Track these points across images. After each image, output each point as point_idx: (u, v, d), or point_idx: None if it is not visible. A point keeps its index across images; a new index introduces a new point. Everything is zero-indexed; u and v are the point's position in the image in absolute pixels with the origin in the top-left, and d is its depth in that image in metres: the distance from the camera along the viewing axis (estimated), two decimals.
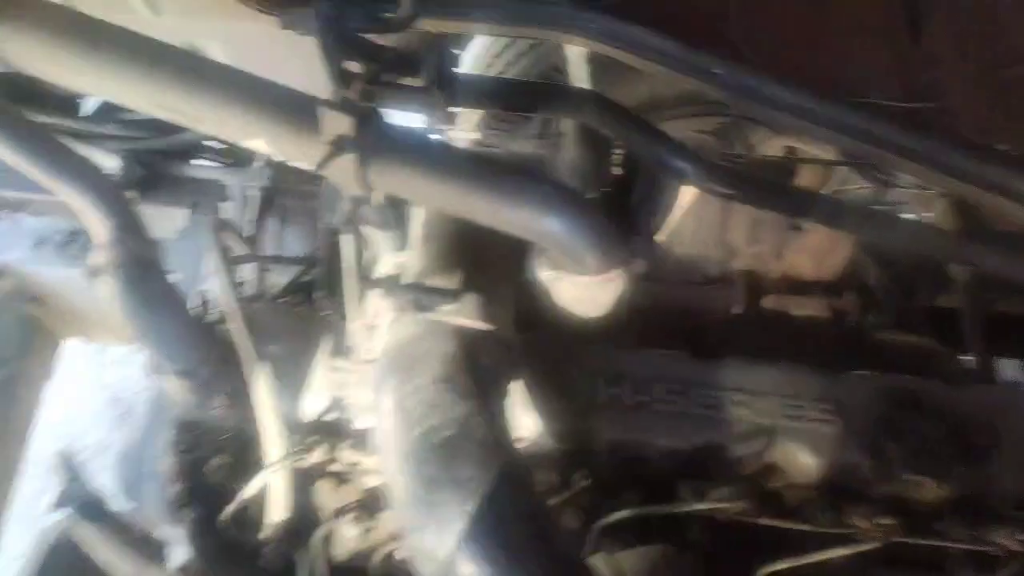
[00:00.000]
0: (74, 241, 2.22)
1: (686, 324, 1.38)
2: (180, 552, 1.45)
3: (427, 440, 0.94)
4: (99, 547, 1.21)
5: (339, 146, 0.97)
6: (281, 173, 1.64)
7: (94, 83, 1.07)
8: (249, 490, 1.27)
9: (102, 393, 3.82)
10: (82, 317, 2.64)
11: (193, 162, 1.96)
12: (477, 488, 0.91)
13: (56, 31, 1.04)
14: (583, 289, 1.03)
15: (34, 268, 2.30)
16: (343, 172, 1.01)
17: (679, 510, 1.17)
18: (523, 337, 1.16)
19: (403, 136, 1.01)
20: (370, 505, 1.36)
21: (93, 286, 1.26)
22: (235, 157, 1.96)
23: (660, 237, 1.15)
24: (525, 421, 1.18)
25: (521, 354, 1.12)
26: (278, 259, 1.50)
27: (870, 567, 1.18)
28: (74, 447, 3.77)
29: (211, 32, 1.34)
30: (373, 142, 0.98)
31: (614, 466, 1.25)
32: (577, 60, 1.24)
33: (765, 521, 1.18)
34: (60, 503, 1.19)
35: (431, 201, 1.02)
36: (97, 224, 1.23)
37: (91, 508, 1.21)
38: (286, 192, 1.60)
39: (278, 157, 1.07)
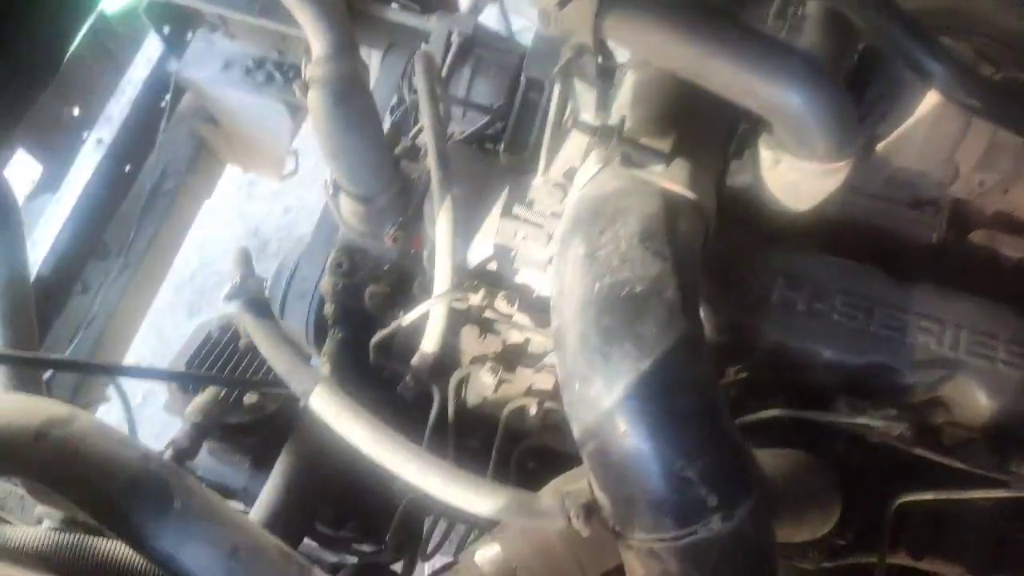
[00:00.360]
0: (260, 68, 2.31)
1: (881, 244, 1.32)
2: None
3: (614, 291, 0.94)
4: (261, 340, 1.28)
5: None
6: (481, 25, 1.64)
7: None
8: (409, 316, 1.32)
9: (242, 224, 4.04)
10: (246, 145, 2.78)
11: (394, 5, 1.99)
12: (655, 347, 0.91)
13: None
14: (802, 176, 1.00)
15: (218, 88, 2.42)
16: (579, 15, 0.99)
17: (833, 419, 1.14)
18: None
19: None
20: (509, 359, 1.39)
21: (301, 97, 1.30)
22: (430, 5, 1.97)
23: (881, 146, 1.09)
24: None
25: (713, 234, 1.10)
26: (471, 104, 1.52)
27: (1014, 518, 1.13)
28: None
29: None
30: None
31: (770, 367, 1.23)
32: None
33: (920, 451, 1.14)
34: (232, 295, 1.26)
35: (665, 58, 0.99)
36: (316, 38, 1.26)
37: (258, 304, 1.28)
38: (483, 43, 1.60)
39: None
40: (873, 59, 1.24)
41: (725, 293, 1.21)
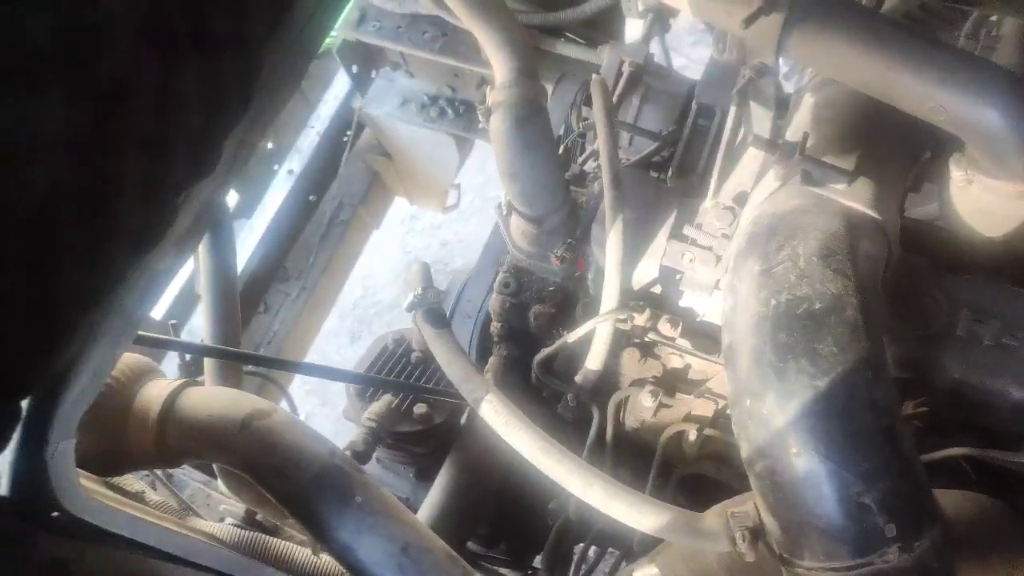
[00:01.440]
0: (434, 104, 2.46)
1: None
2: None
3: (792, 308, 0.93)
4: (437, 349, 1.35)
5: (771, 4, 0.96)
6: (650, 55, 1.68)
7: None
8: (574, 335, 1.35)
9: (402, 256, 4.27)
10: (414, 178, 2.95)
11: (563, 40, 2.08)
12: (834, 366, 0.89)
13: None
14: (996, 198, 0.95)
15: (393, 124, 2.60)
16: (764, 33, 1.00)
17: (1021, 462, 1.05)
18: None
19: (835, 2, 0.97)
20: (669, 383, 1.38)
21: (484, 122, 1.38)
22: (599, 40, 2.04)
23: None
24: None
25: (896, 256, 1.06)
26: (640, 131, 1.55)
27: None
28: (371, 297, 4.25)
29: None
30: (805, 4, 0.96)
31: (951, 406, 1.15)
32: None
33: None
34: (412, 305, 1.35)
35: (852, 73, 0.98)
36: (501, 63, 1.34)
37: (436, 315, 1.36)
38: (652, 73, 1.63)
39: (695, 13, 1.09)
40: None
41: (905, 324, 1.15)
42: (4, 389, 0.53)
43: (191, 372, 1.55)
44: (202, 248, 1.34)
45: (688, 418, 1.37)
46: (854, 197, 1.01)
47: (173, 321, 1.43)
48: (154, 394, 1.17)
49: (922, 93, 0.93)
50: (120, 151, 0.53)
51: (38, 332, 0.54)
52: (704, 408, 1.36)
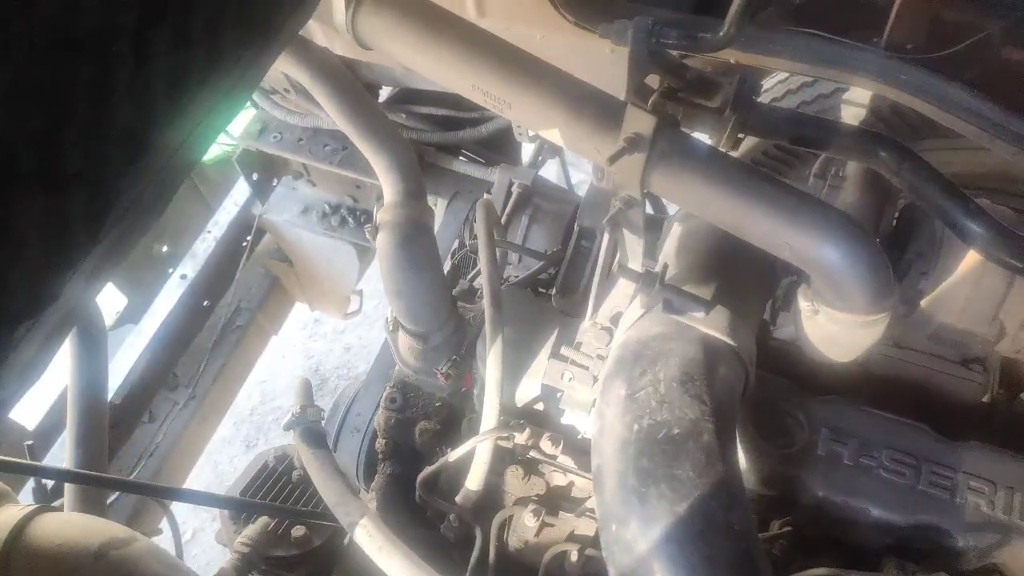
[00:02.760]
0: (335, 213, 2.49)
1: (929, 401, 1.30)
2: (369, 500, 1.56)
3: (653, 432, 0.96)
4: (314, 469, 1.32)
5: (633, 144, 1.04)
6: (539, 177, 1.76)
7: (426, 62, 1.22)
8: (455, 453, 1.34)
9: (304, 361, 4.18)
10: (315, 284, 2.94)
11: (461, 158, 2.16)
12: (692, 491, 0.91)
13: (405, 15, 1.21)
14: (840, 327, 1.02)
15: (295, 230, 2.61)
16: (628, 170, 1.08)
17: None
18: None
19: (693, 145, 1.06)
20: (552, 502, 1.38)
21: (371, 240, 1.41)
22: (495, 159, 2.14)
23: (925, 301, 1.11)
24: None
25: (753, 381, 1.12)
26: (526, 250, 1.61)
27: None
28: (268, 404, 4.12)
29: (519, 37, 1.49)
30: (665, 146, 1.05)
31: (815, 522, 1.19)
32: (858, 116, 1.24)
33: None
34: (291, 424, 1.32)
35: (708, 211, 1.06)
36: (390, 184, 1.38)
37: (314, 435, 1.34)
38: (541, 194, 1.71)
39: (568, 148, 1.16)
40: (914, 217, 1.29)
41: (769, 444, 1.21)
42: None
43: (51, 497, 1.45)
44: (71, 367, 1.28)
45: (571, 537, 1.37)
46: (711, 325, 1.07)
47: (29, 442, 1.35)
48: (2, 522, 1.09)
49: (769, 231, 1.02)
50: None
51: None
52: (587, 527, 1.36)
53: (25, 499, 1.27)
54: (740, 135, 1.11)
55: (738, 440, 1.22)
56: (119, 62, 0.60)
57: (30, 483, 1.69)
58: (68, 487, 1.28)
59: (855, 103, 1.68)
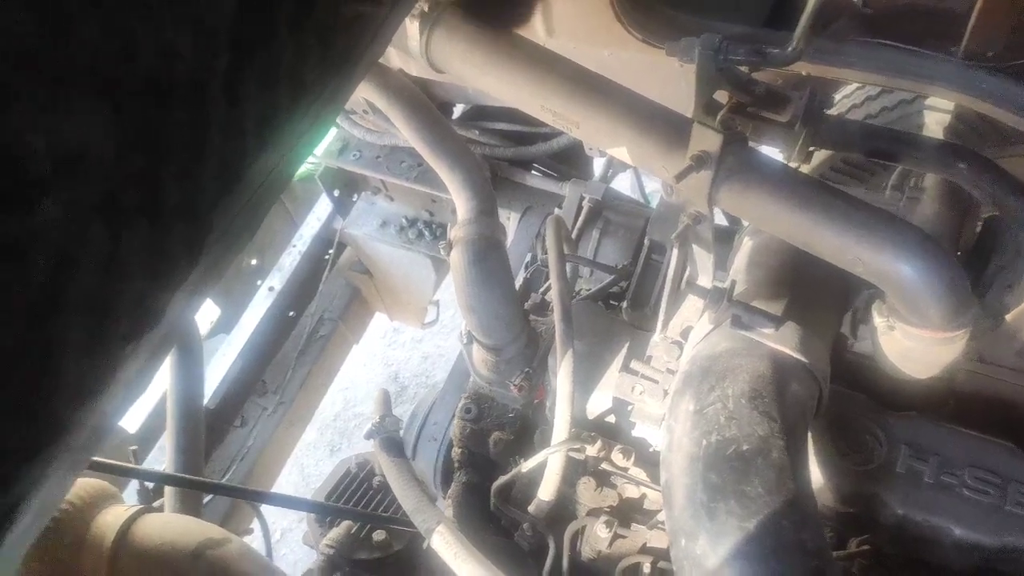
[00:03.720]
0: (412, 226, 2.56)
1: (1015, 418, 1.25)
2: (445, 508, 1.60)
3: (721, 449, 0.97)
4: (392, 477, 1.38)
5: (701, 161, 1.05)
6: (611, 191, 1.78)
7: (497, 84, 1.25)
8: (527, 464, 1.37)
9: (384, 369, 4.30)
10: (394, 295, 3.03)
11: (533, 173, 2.20)
12: (762, 508, 0.91)
13: (475, 40, 1.25)
14: (917, 344, 1.00)
15: (374, 244, 2.70)
16: (696, 187, 1.09)
17: None
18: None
19: (761, 161, 1.06)
20: (625, 513, 1.39)
21: (445, 256, 1.46)
22: (568, 173, 2.17)
23: (1011, 315, 1.08)
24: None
25: (827, 398, 1.10)
26: (597, 264, 1.63)
27: None
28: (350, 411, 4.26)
29: (588, 56, 1.52)
30: (732, 163, 1.05)
31: (895, 541, 1.16)
32: (942, 122, 1.21)
33: None
34: (371, 433, 1.38)
35: (777, 227, 1.06)
36: (463, 202, 1.43)
37: (392, 444, 1.39)
38: (612, 208, 1.73)
39: (636, 165, 1.18)
40: (997, 229, 1.24)
41: (846, 461, 1.19)
42: None
43: (152, 497, 1.55)
44: (170, 377, 1.38)
45: (644, 550, 1.38)
46: (781, 340, 1.06)
47: (134, 447, 1.45)
48: (110, 521, 1.18)
49: (840, 247, 1.01)
50: (61, 315, 0.58)
51: None
52: (659, 539, 1.36)
53: (129, 498, 1.37)
54: (811, 148, 1.11)
55: (814, 457, 1.21)
56: (212, 104, 0.66)
57: (133, 484, 1.82)
58: (168, 489, 1.37)
59: (939, 109, 1.63)
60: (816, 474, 1.19)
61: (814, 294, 1.17)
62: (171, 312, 0.75)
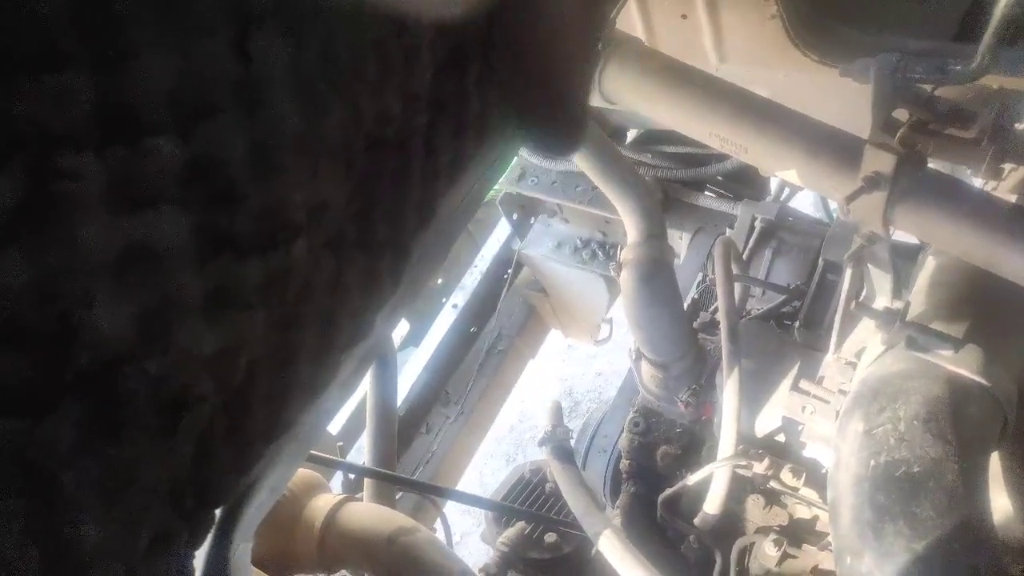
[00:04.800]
0: (586, 247, 2.66)
1: None
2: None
3: (890, 470, 0.96)
4: (563, 483, 1.46)
5: (873, 183, 1.05)
6: (784, 210, 1.77)
7: (666, 113, 1.31)
8: (693, 478, 1.41)
9: (558, 384, 4.42)
10: (568, 313, 3.14)
11: (706, 193, 2.22)
12: (932, 531, 0.90)
13: (645, 73, 1.32)
14: None
15: (550, 264, 2.82)
16: (869, 208, 1.08)
17: None
18: (1021, 413, 1.09)
19: (938, 180, 1.04)
20: (795, 533, 1.39)
21: (616, 277, 1.54)
22: (741, 193, 2.17)
23: None
24: (997, 500, 1.10)
25: (1014, 424, 1.06)
26: (768, 284, 1.63)
27: None
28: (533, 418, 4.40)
29: (761, 79, 1.54)
30: (908, 183, 1.04)
31: None
32: None
33: None
34: (543, 441, 1.47)
35: (956, 248, 1.03)
36: (632, 225, 1.50)
37: (564, 452, 1.47)
38: (786, 227, 1.72)
39: (806, 187, 1.19)
40: None
41: None
42: (206, 500, 0.72)
43: (354, 487, 1.74)
44: (370, 383, 1.55)
45: (815, 571, 1.36)
46: (960, 363, 1.03)
47: (340, 443, 1.64)
48: (320, 506, 1.36)
49: None
50: (301, 328, 0.73)
51: (234, 458, 0.72)
52: (831, 562, 1.34)
53: (334, 487, 1.56)
54: (1002, 165, 1.07)
55: (1007, 485, 1.15)
56: (414, 154, 0.78)
57: (337, 476, 2.04)
58: (367, 481, 1.55)
59: None
60: (1005, 505, 1.14)
61: (1002, 317, 1.12)
62: (378, 326, 0.89)
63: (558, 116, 0.72)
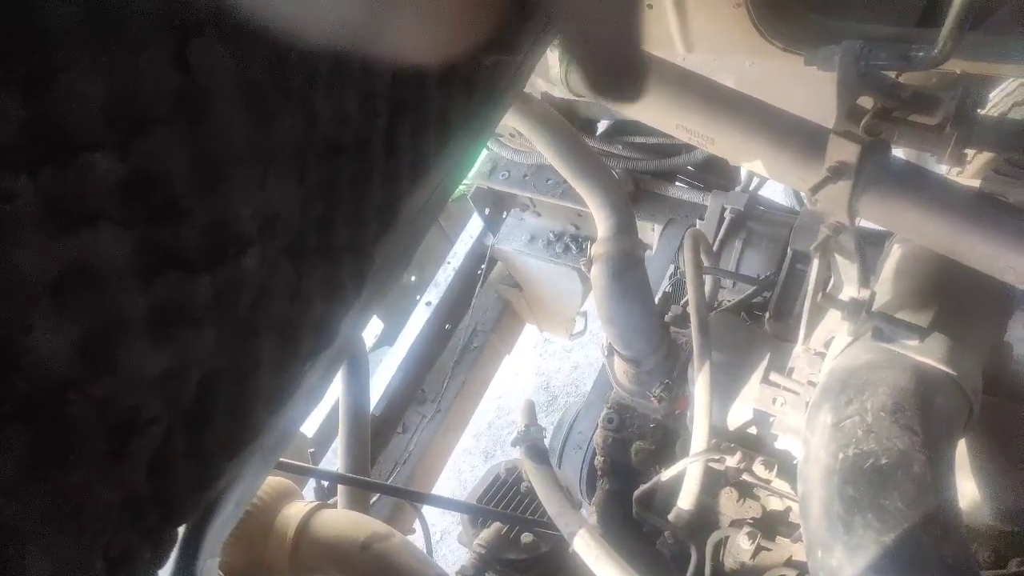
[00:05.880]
0: (559, 240, 2.65)
1: None
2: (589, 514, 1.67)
3: (858, 463, 0.97)
4: (537, 483, 1.46)
5: (838, 172, 1.05)
6: (754, 200, 1.78)
7: (634, 106, 1.31)
8: (667, 473, 1.41)
9: (535, 379, 4.42)
10: (543, 307, 3.13)
11: (677, 184, 2.22)
12: (900, 522, 0.91)
13: None
14: None
15: (523, 258, 2.81)
16: (834, 198, 1.09)
17: None
18: (986, 399, 1.10)
19: (902, 169, 1.05)
20: (769, 525, 1.40)
21: (586, 272, 1.53)
22: (712, 183, 2.17)
23: None
24: (964, 486, 1.12)
25: (979, 412, 1.07)
26: (738, 276, 1.64)
27: None
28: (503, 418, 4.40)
29: (728, 67, 1.54)
30: (872, 172, 1.04)
31: None
32: None
33: None
34: (517, 441, 1.47)
35: (921, 236, 1.04)
36: (602, 220, 1.49)
37: (537, 451, 1.47)
38: (755, 217, 1.73)
39: (772, 178, 1.19)
40: None
41: (1009, 474, 1.14)
42: (168, 518, 0.70)
43: (327, 493, 1.73)
44: (341, 387, 1.54)
45: (789, 563, 1.37)
46: (927, 353, 1.04)
47: (312, 449, 1.63)
48: (292, 514, 1.34)
49: (990, 253, 0.98)
50: (259, 339, 0.71)
51: (195, 474, 0.71)
52: (805, 553, 1.35)
53: (307, 495, 1.54)
54: (965, 151, 1.07)
55: (972, 473, 1.16)
56: (373, 157, 0.77)
57: (310, 482, 2.02)
58: (340, 488, 1.53)
59: None
60: (972, 491, 1.15)
61: (967, 304, 1.13)
62: (343, 332, 0.88)
63: (621, 59, 0.70)
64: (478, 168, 2.63)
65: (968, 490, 1.13)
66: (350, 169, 0.74)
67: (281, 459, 1.47)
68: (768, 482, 1.36)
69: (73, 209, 0.43)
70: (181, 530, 0.80)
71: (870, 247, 1.24)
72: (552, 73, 1.40)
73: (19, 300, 0.43)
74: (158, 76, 0.43)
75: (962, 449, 1.12)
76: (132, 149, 0.43)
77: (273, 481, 1.37)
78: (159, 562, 0.72)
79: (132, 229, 0.46)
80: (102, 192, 0.43)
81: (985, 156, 1.50)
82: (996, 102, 1.43)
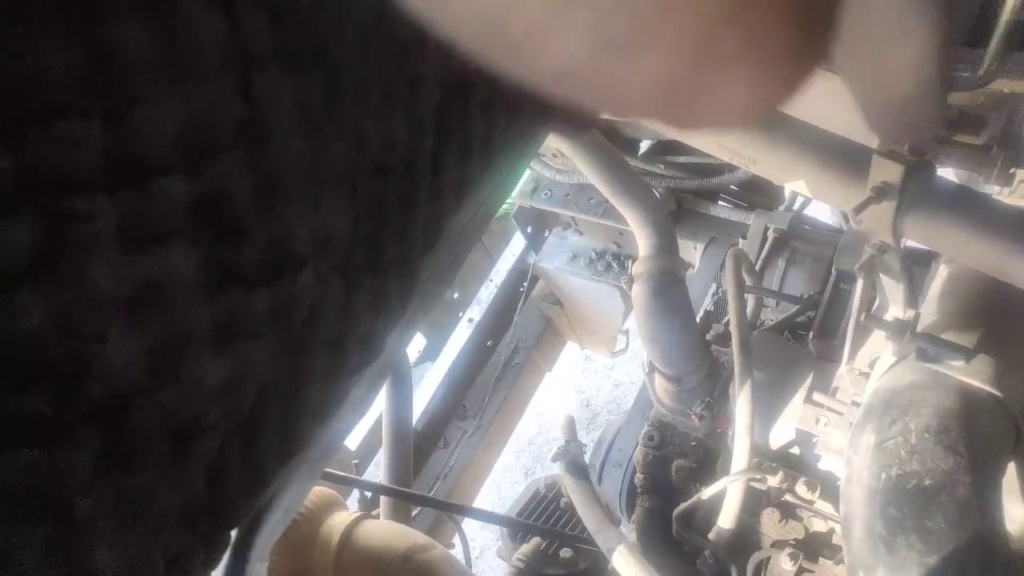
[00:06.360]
0: (600, 259, 2.66)
1: None
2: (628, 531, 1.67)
3: (901, 483, 0.96)
4: (576, 498, 1.46)
5: (882, 192, 1.04)
6: (798, 219, 1.77)
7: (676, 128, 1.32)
8: (707, 492, 1.40)
9: (576, 396, 4.42)
10: (584, 324, 3.14)
11: (720, 203, 2.22)
12: (945, 544, 0.90)
13: None
14: None
15: (565, 276, 2.83)
16: (879, 218, 1.08)
17: None
18: None
19: (948, 189, 1.04)
20: (811, 547, 1.38)
21: (627, 291, 1.54)
22: (756, 202, 2.17)
23: None
24: (1014, 511, 1.09)
25: None
26: (781, 295, 1.63)
27: None
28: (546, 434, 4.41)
29: None
30: (917, 192, 1.04)
31: None
32: None
33: None
34: (557, 456, 1.48)
35: (967, 256, 1.03)
36: (643, 239, 1.51)
37: (577, 467, 1.48)
38: (799, 236, 1.72)
39: (816, 198, 1.20)
40: None
41: None
42: (221, 522, 0.74)
43: (370, 504, 1.76)
44: (385, 401, 1.57)
45: None
46: (972, 374, 1.03)
47: (356, 460, 1.66)
48: (336, 524, 1.37)
49: None
50: (310, 353, 0.74)
51: (247, 481, 0.74)
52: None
53: (351, 505, 1.57)
54: (1012, 170, 1.07)
55: (1022, 494, 1.14)
56: (420, 177, 0.80)
57: (354, 493, 2.06)
58: (383, 499, 1.56)
59: None
60: (1022, 516, 1.13)
61: (1014, 325, 1.11)
62: (388, 347, 0.91)
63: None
64: (521, 187, 2.66)
65: (1017, 515, 1.10)
66: (398, 188, 0.77)
67: (326, 470, 1.51)
68: (811, 503, 1.35)
69: (147, 229, 0.46)
70: (233, 534, 0.84)
71: (917, 267, 1.23)
72: None
73: (96, 312, 0.47)
74: (224, 107, 0.47)
75: (1011, 473, 1.10)
76: (200, 173, 0.47)
77: (319, 491, 1.41)
78: (212, 563, 0.76)
79: (199, 247, 0.49)
80: (173, 213, 0.47)
81: None
82: None
